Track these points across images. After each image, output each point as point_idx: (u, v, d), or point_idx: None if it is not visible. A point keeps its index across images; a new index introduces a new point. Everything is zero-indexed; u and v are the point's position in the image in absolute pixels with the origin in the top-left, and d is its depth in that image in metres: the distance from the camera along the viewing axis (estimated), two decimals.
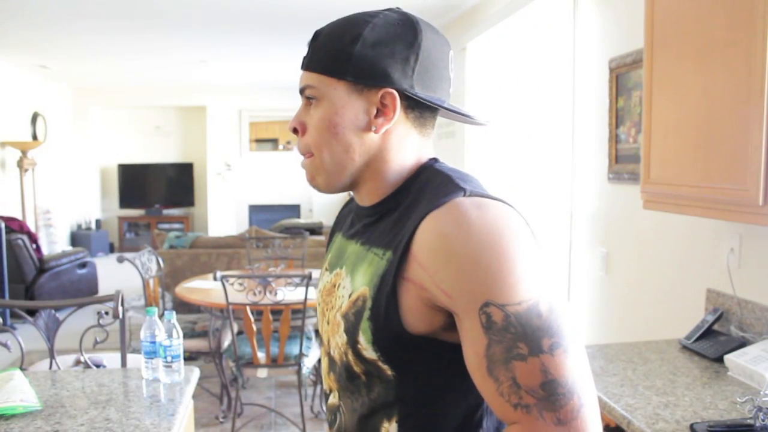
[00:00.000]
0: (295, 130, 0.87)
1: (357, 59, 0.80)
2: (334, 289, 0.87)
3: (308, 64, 0.85)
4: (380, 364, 0.79)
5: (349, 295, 0.82)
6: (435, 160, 0.88)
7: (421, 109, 0.84)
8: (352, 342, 0.80)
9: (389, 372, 0.79)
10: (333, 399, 0.91)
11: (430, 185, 0.81)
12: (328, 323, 0.88)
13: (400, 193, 0.85)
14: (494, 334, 0.69)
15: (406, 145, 0.85)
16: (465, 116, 0.88)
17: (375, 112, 0.82)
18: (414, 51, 0.81)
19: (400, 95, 0.81)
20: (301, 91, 0.85)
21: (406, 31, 0.82)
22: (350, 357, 0.82)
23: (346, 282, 0.85)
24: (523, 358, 0.68)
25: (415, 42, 0.81)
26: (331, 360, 0.88)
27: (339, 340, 0.83)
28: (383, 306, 0.76)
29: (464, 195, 0.76)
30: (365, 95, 0.82)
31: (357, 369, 0.82)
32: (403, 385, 0.80)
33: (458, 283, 0.71)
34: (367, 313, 0.78)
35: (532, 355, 0.67)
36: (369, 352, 0.78)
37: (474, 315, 0.70)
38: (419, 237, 0.75)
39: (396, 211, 0.84)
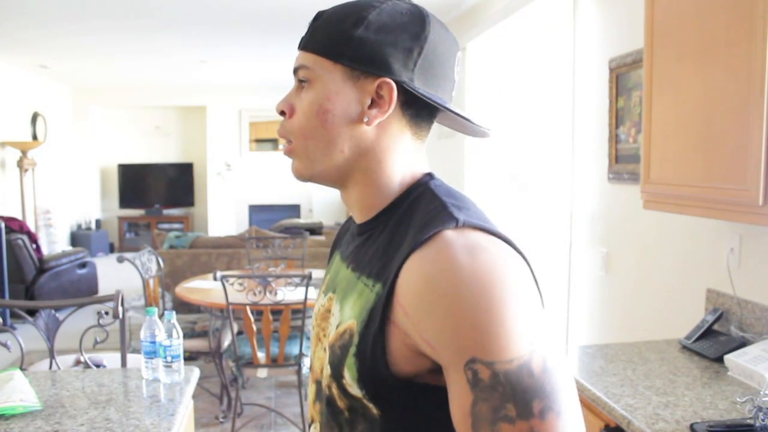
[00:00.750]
0: (282, 113, 0.81)
1: (357, 43, 0.75)
2: (328, 315, 0.83)
3: (305, 44, 0.79)
4: (365, 402, 0.73)
5: (337, 326, 0.77)
6: (431, 176, 0.81)
7: (418, 107, 0.78)
8: (337, 376, 0.75)
9: (375, 411, 0.73)
10: (314, 431, 0.86)
11: (422, 209, 0.75)
12: (324, 350, 0.82)
13: (391, 211, 0.79)
14: (481, 392, 0.63)
15: (399, 146, 0.79)
16: (466, 121, 0.81)
17: (369, 102, 0.76)
18: (419, 43, 0.76)
19: (398, 88, 0.76)
20: (295, 72, 0.80)
21: (413, 21, 0.77)
22: (334, 390, 0.77)
23: (336, 310, 0.80)
24: (510, 420, 0.62)
25: (422, 34, 0.77)
26: (319, 388, 0.83)
27: (325, 371, 0.79)
28: (370, 345, 0.70)
29: (456, 226, 0.69)
30: (361, 83, 0.76)
31: (341, 404, 0.77)
32: (389, 425, 0.74)
33: (442, 336, 0.65)
34: (353, 350, 0.72)
35: (520, 418, 0.61)
36: (354, 389, 0.73)
37: (459, 369, 0.64)
38: (403, 279, 0.68)
39: (385, 232, 0.78)
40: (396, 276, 0.69)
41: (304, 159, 0.80)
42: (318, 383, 0.83)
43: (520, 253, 0.71)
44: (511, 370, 0.62)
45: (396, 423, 0.74)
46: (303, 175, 0.82)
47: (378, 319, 0.70)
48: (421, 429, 0.74)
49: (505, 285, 0.65)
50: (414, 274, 0.68)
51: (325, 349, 0.81)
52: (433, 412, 0.72)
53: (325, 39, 0.77)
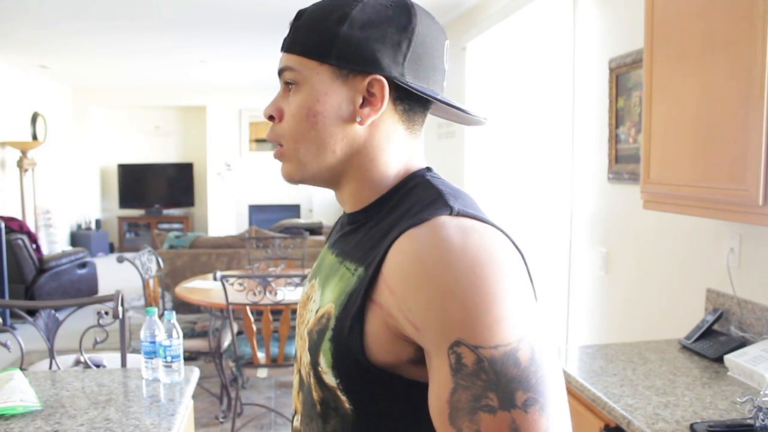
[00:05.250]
0: (271, 117, 0.79)
1: (343, 41, 0.73)
2: (308, 302, 0.81)
3: (289, 45, 0.77)
4: (339, 393, 0.71)
5: (316, 311, 0.75)
6: (428, 169, 0.79)
7: (410, 101, 0.76)
8: (314, 362, 0.73)
9: (347, 405, 0.71)
10: (296, 423, 0.84)
11: (416, 198, 0.73)
12: (301, 338, 0.80)
13: (385, 201, 0.77)
14: (462, 379, 0.60)
15: (392, 142, 0.77)
16: (460, 111, 0.80)
17: (361, 101, 0.74)
18: (407, 36, 0.74)
19: (389, 84, 0.73)
20: (280, 74, 0.78)
21: (398, 14, 0.74)
22: (312, 380, 0.74)
23: (317, 296, 0.78)
24: (491, 410, 0.58)
25: (409, 26, 0.74)
26: (301, 379, 0.81)
27: (304, 358, 0.76)
28: (347, 328, 0.68)
29: (451, 213, 0.67)
30: (350, 82, 0.74)
31: (315, 396, 0.74)
32: (361, 423, 0.71)
33: (428, 316, 0.62)
34: (329, 333, 0.70)
35: (502, 408, 0.58)
36: (329, 377, 0.71)
37: (442, 353, 0.61)
38: (392, 256, 0.66)
39: (375, 221, 0.76)
40: (384, 255, 0.67)
41: (295, 162, 0.78)
42: (299, 372, 0.82)
43: (514, 243, 0.69)
44: (496, 357, 0.59)
45: (369, 420, 0.71)
46: (294, 179, 0.80)
47: (358, 302, 0.68)
48: (393, 429, 0.71)
49: (497, 268, 0.63)
50: (403, 251, 0.66)
51: (301, 337, 0.79)
52: (407, 411, 0.70)
53: (309, 39, 0.75)
